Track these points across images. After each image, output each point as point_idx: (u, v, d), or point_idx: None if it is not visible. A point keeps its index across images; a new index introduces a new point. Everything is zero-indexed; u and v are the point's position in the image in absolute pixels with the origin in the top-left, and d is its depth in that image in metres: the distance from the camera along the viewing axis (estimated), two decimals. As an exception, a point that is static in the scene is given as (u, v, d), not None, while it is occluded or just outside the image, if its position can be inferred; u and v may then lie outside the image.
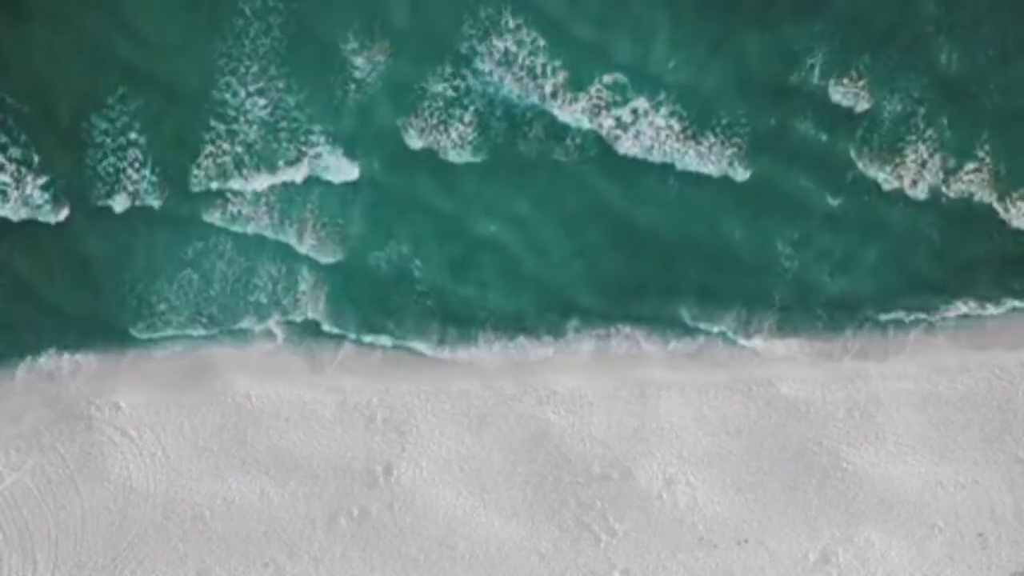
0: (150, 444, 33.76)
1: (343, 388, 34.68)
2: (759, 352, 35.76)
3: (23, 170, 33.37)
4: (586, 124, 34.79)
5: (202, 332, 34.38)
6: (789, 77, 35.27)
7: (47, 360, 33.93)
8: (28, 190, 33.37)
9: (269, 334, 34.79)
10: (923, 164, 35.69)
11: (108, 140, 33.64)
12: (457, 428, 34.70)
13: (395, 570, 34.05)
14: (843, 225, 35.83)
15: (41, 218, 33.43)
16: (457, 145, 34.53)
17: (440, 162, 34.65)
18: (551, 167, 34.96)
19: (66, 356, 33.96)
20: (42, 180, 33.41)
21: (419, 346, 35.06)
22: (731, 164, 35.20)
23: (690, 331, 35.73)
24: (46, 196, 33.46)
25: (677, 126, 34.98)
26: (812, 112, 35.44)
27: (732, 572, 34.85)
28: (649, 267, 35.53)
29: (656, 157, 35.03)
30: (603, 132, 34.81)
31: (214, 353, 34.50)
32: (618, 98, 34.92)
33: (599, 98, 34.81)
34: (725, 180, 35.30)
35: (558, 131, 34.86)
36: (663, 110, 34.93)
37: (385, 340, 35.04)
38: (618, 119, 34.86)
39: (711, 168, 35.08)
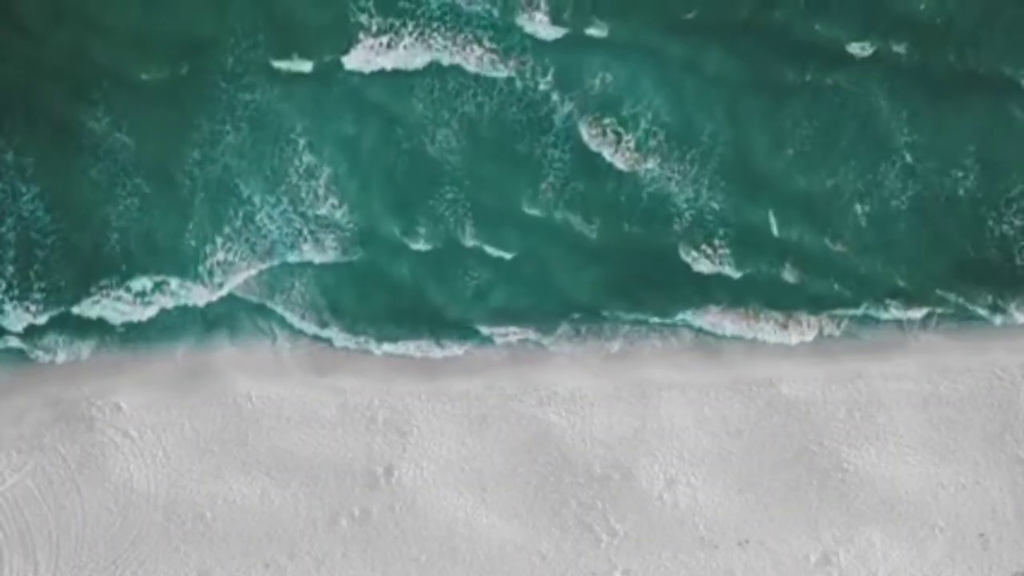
0: (151, 445, 33.78)
1: (344, 389, 34.70)
2: (759, 352, 35.80)
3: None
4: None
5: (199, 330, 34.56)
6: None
7: (48, 360, 33.99)
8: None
9: (269, 334, 34.86)
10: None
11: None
12: (458, 429, 34.72)
13: (396, 571, 34.05)
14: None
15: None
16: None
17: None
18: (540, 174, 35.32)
19: (66, 356, 34.02)
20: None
21: (419, 348, 35.12)
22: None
23: (690, 331, 35.77)
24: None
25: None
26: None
27: (733, 573, 34.83)
28: (647, 269, 35.62)
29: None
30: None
31: (215, 354, 34.53)
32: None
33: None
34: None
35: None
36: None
37: (384, 343, 35.13)
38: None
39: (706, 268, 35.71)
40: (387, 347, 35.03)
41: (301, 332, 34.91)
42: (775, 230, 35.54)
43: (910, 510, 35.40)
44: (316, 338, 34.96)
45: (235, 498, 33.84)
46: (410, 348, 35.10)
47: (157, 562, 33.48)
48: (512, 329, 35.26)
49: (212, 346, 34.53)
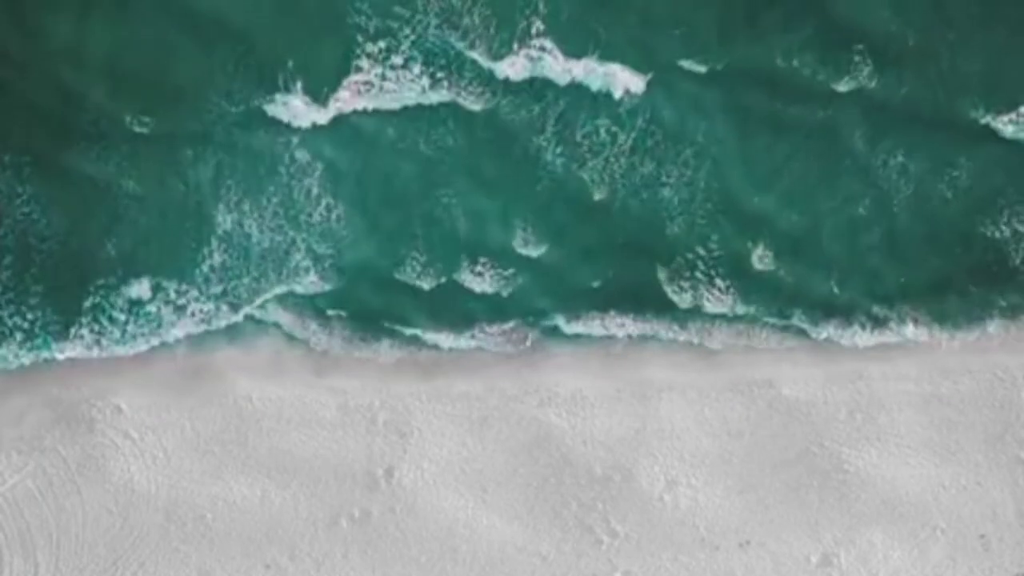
0: (151, 446, 33.77)
1: (344, 390, 34.67)
2: (760, 353, 35.80)
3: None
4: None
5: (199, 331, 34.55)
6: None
7: (48, 361, 33.96)
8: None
9: (270, 335, 34.84)
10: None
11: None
12: (458, 430, 34.70)
13: (397, 572, 34.05)
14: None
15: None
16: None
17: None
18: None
19: (68, 356, 33.97)
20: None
21: (419, 348, 35.13)
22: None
23: (690, 332, 35.80)
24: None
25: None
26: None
27: (734, 574, 34.83)
28: (649, 267, 35.62)
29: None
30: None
31: (215, 355, 34.50)
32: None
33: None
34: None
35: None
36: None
37: (385, 343, 35.13)
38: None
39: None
40: (387, 347, 35.00)
41: (297, 338, 34.92)
42: (758, 263, 35.60)
43: (911, 511, 35.39)
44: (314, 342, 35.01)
45: (235, 499, 33.84)
46: (412, 349, 35.10)
47: (157, 563, 33.48)
48: (511, 326, 35.33)
49: (212, 347, 34.50)
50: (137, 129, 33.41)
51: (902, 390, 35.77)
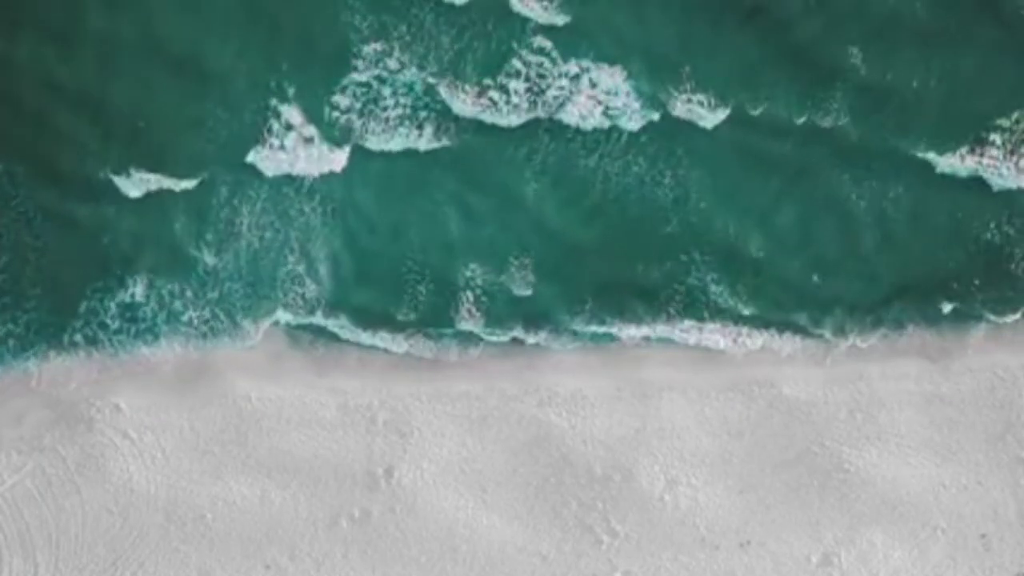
0: (151, 446, 33.74)
1: (344, 390, 34.66)
2: (761, 353, 35.78)
3: None
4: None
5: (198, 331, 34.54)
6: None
7: (47, 361, 33.94)
8: None
9: (270, 335, 34.80)
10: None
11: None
12: (458, 430, 34.69)
13: (397, 572, 34.04)
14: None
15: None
16: None
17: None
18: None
19: (66, 357, 33.97)
20: None
21: (419, 349, 35.11)
22: None
23: (692, 332, 35.77)
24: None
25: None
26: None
27: (734, 574, 34.83)
28: (649, 267, 35.59)
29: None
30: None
31: (215, 354, 34.46)
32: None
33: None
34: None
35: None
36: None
37: (386, 343, 35.13)
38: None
39: None
40: (399, 343, 35.02)
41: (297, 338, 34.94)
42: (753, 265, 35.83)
43: (911, 511, 35.39)
44: (319, 331, 34.91)
45: (235, 499, 33.81)
46: (424, 348, 35.13)
47: (157, 563, 33.45)
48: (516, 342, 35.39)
49: (212, 347, 34.47)
50: (130, 177, 33.61)
51: (902, 390, 35.77)
